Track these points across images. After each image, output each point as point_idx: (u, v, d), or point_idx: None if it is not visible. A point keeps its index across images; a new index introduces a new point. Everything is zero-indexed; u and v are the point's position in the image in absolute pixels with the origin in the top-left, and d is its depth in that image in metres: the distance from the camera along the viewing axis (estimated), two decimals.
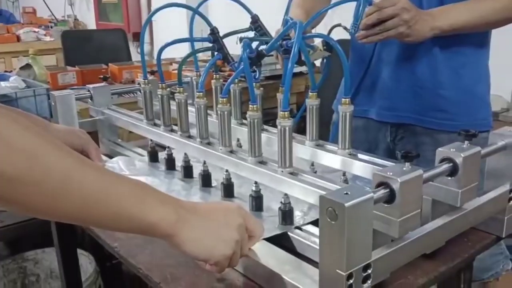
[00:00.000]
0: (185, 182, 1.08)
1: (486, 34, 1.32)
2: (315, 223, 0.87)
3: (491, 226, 0.90)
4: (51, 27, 5.77)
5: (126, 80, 2.54)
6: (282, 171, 0.85)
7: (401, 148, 1.33)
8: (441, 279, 0.80)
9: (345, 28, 1.26)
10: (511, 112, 2.43)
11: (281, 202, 0.85)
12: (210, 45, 1.08)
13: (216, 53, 1.09)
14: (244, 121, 1.21)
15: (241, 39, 1.07)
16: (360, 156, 0.95)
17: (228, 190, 0.98)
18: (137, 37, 4.92)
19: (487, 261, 1.37)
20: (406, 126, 1.34)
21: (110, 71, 2.56)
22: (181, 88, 1.09)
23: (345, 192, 0.62)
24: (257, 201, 0.91)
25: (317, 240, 0.80)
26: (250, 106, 0.89)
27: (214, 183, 1.04)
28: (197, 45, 1.17)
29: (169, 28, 4.21)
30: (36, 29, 5.38)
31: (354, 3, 1.16)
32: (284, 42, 1.02)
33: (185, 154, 1.10)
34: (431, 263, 0.81)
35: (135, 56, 4.44)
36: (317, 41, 1.19)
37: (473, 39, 1.28)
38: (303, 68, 1.31)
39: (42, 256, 1.91)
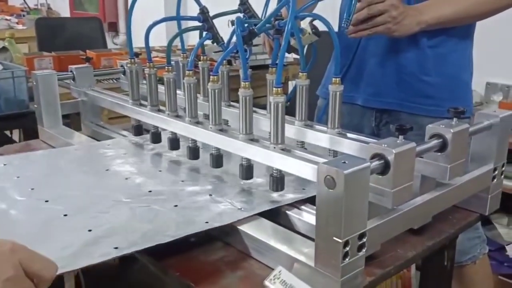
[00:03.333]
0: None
1: (470, 26, 1.36)
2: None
3: (475, 205, 0.93)
4: (23, 15, 5.63)
5: (104, 67, 2.50)
6: (275, 147, 0.86)
7: (385, 134, 1.35)
8: (428, 253, 0.82)
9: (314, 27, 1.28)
10: (485, 106, 2.49)
11: (273, 170, 0.87)
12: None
13: (205, 33, 1.08)
14: (231, 103, 1.22)
15: (232, 22, 1.07)
16: (349, 135, 0.96)
17: (217, 161, 0.99)
18: (113, 27, 4.86)
19: (465, 244, 1.40)
20: (391, 111, 1.36)
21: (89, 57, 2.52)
22: (170, 67, 1.08)
23: (342, 161, 0.63)
24: (247, 170, 0.93)
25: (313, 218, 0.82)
26: (242, 83, 0.89)
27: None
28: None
29: (146, 18, 4.17)
30: (8, 17, 5.25)
31: None
32: (276, 22, 1.02)
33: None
34: (419, 238, 0.83)
35: (111, 46, 4.38)
36: (305, 25, 1.21)
37: (459, 29, 1.31)
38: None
39: None
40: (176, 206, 0.87)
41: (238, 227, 0.79)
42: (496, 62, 2.33)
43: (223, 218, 0.81)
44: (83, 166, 1.07)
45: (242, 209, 0.85)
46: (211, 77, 0.95)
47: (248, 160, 0.93)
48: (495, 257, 2.04)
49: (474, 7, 1.26)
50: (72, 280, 1.71)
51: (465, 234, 1.38)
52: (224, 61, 1.11)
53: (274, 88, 0.84)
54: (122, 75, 1.49)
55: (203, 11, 1.08)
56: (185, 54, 1.30)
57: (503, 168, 0.92)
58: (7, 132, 2.73)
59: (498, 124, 0.87)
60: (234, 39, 1.05)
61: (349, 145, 0.93)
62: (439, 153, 0.79)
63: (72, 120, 1.62)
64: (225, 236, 0.81)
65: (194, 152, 1.07)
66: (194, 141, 1.06)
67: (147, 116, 1.14)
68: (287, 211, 0.86)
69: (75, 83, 1.40)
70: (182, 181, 0.99)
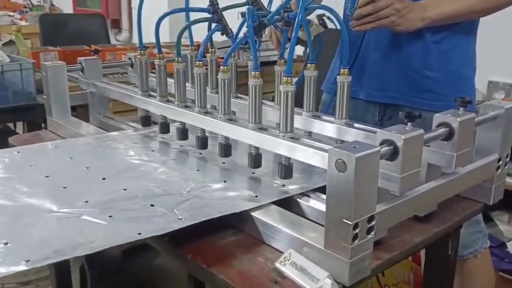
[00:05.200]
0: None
1: (474, 22, 1.37)
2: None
3: (479, 194, 0.94)
4: (26, 12, 5.65)
5: (105, 62, 2.52)
6: (284, 136, 0.88)
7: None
8: (433, 239, 0.84)
9: (328, 17, 1.30)
10: None
11: (282, 158, 0.89)
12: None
13: (214, 24, 1.10)
14: (238, 95, 1.24)
15: (242, 14, 1.09)
16: (356, 125, 0.98)
17: (226, 150, 1.01)
18: (116, 23, 4.88)
19: (467, 238, 1.42)
20: (394, 106, 1.38)
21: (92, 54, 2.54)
22: (180, 59, 1.10)
23: (353, 146, 0.65)
24: (256, 158, 0.95)
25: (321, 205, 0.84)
26: (252, 73, 0.91)
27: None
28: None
29: (149, 14, 4.19)
30: (11, 13, 5.27)
31: None
32: (286, 14, 1.04)
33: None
34: (425, 226, 0.85)
35: (114, 43, 4.40)
36: (312, 17, 1.22)
37: (462, 25, 1.33)
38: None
39: None
40: (188, 191, 0.90)
41: (251, 213, 0.81)
42: (498, 61, 2.34)
43: (237, 206, 0.83)
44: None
45: (257, 196, 0.87)
46: (221, 67, 0.97)
47: (257, 149, 0.95)
48: (496, 253, 2.06)
49: (478, 3, 1.28)
50: (77, 271, 1.73)
51: (467, 228, 1.40)
52: (233, 53, 1.13)
53: (284, 77, 0.86)
54: (130, 68, 1.51)
55: (213, 2, 1.09)
56: (193, 47, 1.31)
57: (508, 159, 0.94)
58: (10, 125, 2.75)
59: (503, 115, 0.89)
60: (241, 31, 1.08)
61: (356, 135, 0.95)
62: (446, 142, 0.80)
63: (78, 113, 1.64)
64: (237, 222, 0.83)
65: (203, 141, 1.08)
66: (203, 131, 1.08)
67: (158, 107, 1.16)
68: (297, 199, 0.88)
69: (84, 74, 1.41)
70: (197, 170, 1.01)
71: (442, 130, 0.79)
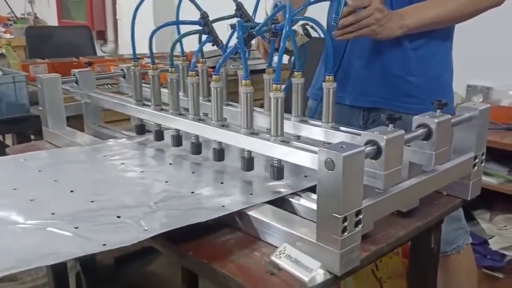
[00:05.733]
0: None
1: (450, 28, 1.45)
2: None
3: (458, 191, 1.01)
4: (10, 25, 5.66)
5: (98, 73, 2.56)
6: (275, 139, 0.93)
7: None
8: (416, 232, 0.90)
9: (312, 27, 1.37)
10: None
11: (273, 161, 0.95)
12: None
13: (205, 36, 1.16)
14: (229, 102, 1.30)
15: (232, 26, 1.15)
16: (342, 128, 1.04)
17: (220, 155, 1.06)
18: (102, 35, 4.91)
19: (449, 235, 1.49)
20: (377, 110, 1.45)
21: (81, 66, 2.58)
22: (173, 69, 1.16)
23: (340, 146, 0.71)
24: (249, 162, 1.00)
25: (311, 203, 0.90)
26: (243, 81, 0.97)
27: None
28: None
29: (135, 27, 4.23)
30: None
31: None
32: (273, 26, 1.10)
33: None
34: (409, 220, 0.91)
35: (100, 54, 4.43)
36: (296, 27, 1.29)
37: (439, 32, 1.41)
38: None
39: None
40: (192, 192, 0.96)
41: (247, 212, 0.86)
42: (476, 65, 2.43)
43: (235, 205, 0.89)
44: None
45: (252, 194, 0.94)
46: (213, 76, 1.03)
47: (249, 153, 1.01)
48: (479, 251, 2.14)
49: (452, 11, 1.35)
50: (73, 279, 1.77)
51: (449, 225, 1.47)
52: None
53: (273, 85, 0.92)
54: (122, 79, 1.56)
55: (204, 16, 1.16)
56: (184, 58, 1.36)
57: (483, 157, 1.01)
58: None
59: (478, 116, 0.96)
60: (231, 42, 1.14)
61: (342, 137, 1.01)
62: (425, 142, 0.87)
63: (70, 124, 1.68)
64: (233, 221, 0.88)
65: (197, 147, 1.13)
66: (197, 138, 1.13)
67: (153, 115, 1.21)
68: (289, 198, 0.93)
69: (77, 86, 1.46)
70: (192, 172, 1.07)
71: (421, 130, 0.86)
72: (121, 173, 1.08)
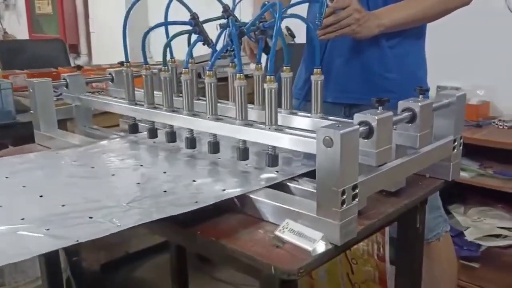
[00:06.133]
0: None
1: (422, 28, 1.55)
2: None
3: (440, 172, 1.09)
4: None
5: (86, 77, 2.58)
6: (269, 128, 0.99)
7: None
8: (404, 210, 0.97)
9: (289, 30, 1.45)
10: None
11: (268, 149, 1.01)
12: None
13: (196, 36, 1.21)
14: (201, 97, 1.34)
15: (221, 25, 1.21)
16: (331, 117, 1.11)
17: (215, 147, 1.12)
18: (74, 48, 4.90)
19: (430, 223, 1.57)
20: (358, 106, 1.53)
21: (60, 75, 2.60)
22: (166, 68, 1.21)
23: (337, 125, 0.77)
24: (244, 152, 1.06)
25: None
26: (238, 75, 1.03)
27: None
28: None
29: (107, 40, 4.26)
30: None
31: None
32: (261, 24, 1.17)
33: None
34: (397, 199, 0.98)
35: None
36: (282, 28, 1.36)
37: (412, 31, 1.51)
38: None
39: None
40: (194, 181, 1.01)
41: (249, 195, 0.92)
42: (445, 66, 2.55)
43: (236, 190, 0.94)
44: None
45: (251, 180, 0.99)
46: (207, 72, 1.08)
47: (244, 143, 1.06)
48: (456, 242, 2.22)
49: (424, 10, 1.46)
50: (63, 283, 1.77)
51: (430, 214, 1.55)
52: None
53: (267, 76, 0.98)
54: (110, 82, 1.60)
55: (194, 16, 1.21)
56: (173, 59, 1.41)
57: (461, 141, 1.09)
58: None
59: (455, 102, 1.04)
60: (220, 41, 1.20)
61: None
62: (410, 124, 0.94)
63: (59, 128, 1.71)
64: (235, 205, 0.93)
65: (192, 142, 1.18)
66: (191, 133, 1.18)
67: (146, 113, 1.25)
68: (286, 183, 0.99)
69: (68, 89, 1.49)
70: (188, 164, 1.12)
71: (406, 114, 0.93)
72: (111, 170, 1.11)
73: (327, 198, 0.78)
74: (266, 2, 1.12)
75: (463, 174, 2.26)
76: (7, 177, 1.09)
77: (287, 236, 0.81)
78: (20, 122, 1.80)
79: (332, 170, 0.76)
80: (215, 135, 1.12)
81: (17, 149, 1.46)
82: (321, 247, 0.78)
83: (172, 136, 1.23)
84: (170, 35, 1.21)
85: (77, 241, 0.78)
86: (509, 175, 2.23)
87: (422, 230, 1.16)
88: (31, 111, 1.45)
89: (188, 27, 1.20)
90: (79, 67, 1.53)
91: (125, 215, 0.86)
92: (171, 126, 1.22)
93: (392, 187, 0.99)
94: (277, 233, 0.82)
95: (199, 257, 2.41)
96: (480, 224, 2.29)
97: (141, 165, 1.14)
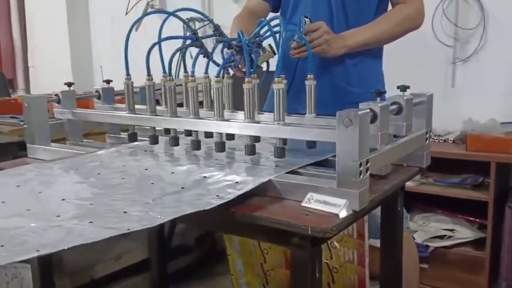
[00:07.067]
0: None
1: (380, 49, 1.80)
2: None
3: (415, 161, 1.28)
4: None
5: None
6: (278, 123, 1.14)
7: None
8: (394, 189, 1.15)
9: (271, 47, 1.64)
10: None
11: (276, 142, 1.15)
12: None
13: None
14: None
15: (217, 41, 1.36)
16: (325, 116, 1.28)
17: (222, 146, 1.24)
18: (11, 83, 4.79)
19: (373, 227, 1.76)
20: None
21: (19, 103, 2.61)
22: (171, 77, 1.33)
23: (352, 110, 0.94)
24: (252, 148, 1.19)
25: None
26: (246, 79, 1.18)
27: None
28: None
29: (48, 74, 4.25)
30: None
31: None
32: (257, 38, 1.33)
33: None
34: (386, 181, 1.15)
35: None
36: (265, 45, 1.53)
37: (372, 51, 1.74)
38: None
39: None
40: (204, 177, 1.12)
41: (271, 178, 1.05)
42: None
43: (263, 176, 1.06)
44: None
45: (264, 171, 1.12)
46: (214, 78, 1.22)
47: (252, 139, 1.19)
48: None
49: (383, 33, 1.70)
50: None
51: None
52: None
53: (275, 78, 1.14)
54: (97, 100, 1.68)
55: (194, 32, 1.36)
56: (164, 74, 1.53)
57: (431, 133, 1.29)
58: None
59: (426, 101, 1.25)
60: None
61: (325, 122, 1.24)
62: (397, 115, 1.13)
63: None
64: (258, 189, 1.05)
65: (197, 144, 1.30)
66: (196, 136, 1.29)
67: (150, 120, 1.35)
68: (298, 170, 1.14)
69: (60, 105, 1.56)
70: (198, 162, 1.23)
71: (395, 106, 1.12)
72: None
73: (347, 171, 0.94)
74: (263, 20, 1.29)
75: (408, 183, 2.51)
76: (18, 186, 1.09)
77: (313, 205, 0.95)
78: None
79: (351, 146, 0.92)
80: (221, 135, 1.24)
81: (9, 163, 1.50)
82: (346, 211, 0.93)
83: (175, 140, 1.34)
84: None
85: (128, 230, 0.82)
86: (447, 182, 2.52)
87: (402, 213, 1.34)
88: (25, 125, 1.50)
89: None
90: (69, 84, 1.59)
91: (159, 209, 0.91)
92: (175, 132, 1.33)
93: (382, 171, 1.16)
94: (303, 204, 0.96)
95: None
96: (426, 228, 2.54)
97: (146, 169, 1.21)
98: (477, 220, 2.53)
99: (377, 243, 1.95)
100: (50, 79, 4.03)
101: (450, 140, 2.61)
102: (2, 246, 0.70)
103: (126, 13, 3.89)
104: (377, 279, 1.65)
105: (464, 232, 2.50)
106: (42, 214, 0.89)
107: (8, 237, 0.74)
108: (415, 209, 2.68)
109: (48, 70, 4.31)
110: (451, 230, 2.51)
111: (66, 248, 0.72)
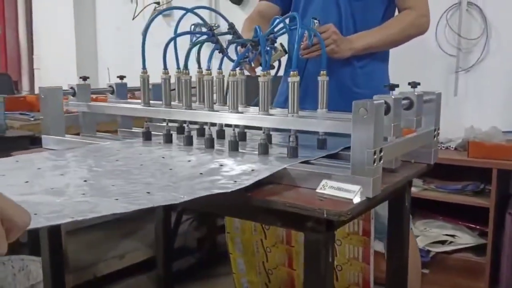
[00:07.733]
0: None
1: (386, 53, 1.84)
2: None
3: (423, 157, 1.31)
4: None
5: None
6: (293, 115, 1.18)
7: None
8: (405, 181, 1.19)
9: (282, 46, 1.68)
10: None
11: (290, 141, 1.18)
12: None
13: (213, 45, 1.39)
14: None
15: (230, 42, 1.40)
16: (336, 112, 1.32)
17: (235, 145, 1.27)
18: (15, 85, 4.83)
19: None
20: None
21: (27, 101, 2.65)
22: (186, 71, 1.37)
23: (367, 100, 0.98)
24: (265, 146, 1.22)
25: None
26: (262, 72, 1.21)
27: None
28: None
29: (53, 75, 4.28)
30: None
31: None
32: (272, 35, 1.37)
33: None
34: (398, 174, 1.19)
35: None
36: (277, 44, 1.57)
37: (379, 54, 1.79)
38: None
39: None
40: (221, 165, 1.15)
41: (286, 166, 1.08)
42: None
43: (279, 165, 1.09)
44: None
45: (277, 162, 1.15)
46: (230, 71, 1.26)
47: (265, 138, 1.22)
48: None
49: (388, 37, 1.75)
50: None
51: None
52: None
53: (291, 72, 1.18)
54: (110, 94, 1.71)
55: (211, 29, 1.40)
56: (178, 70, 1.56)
57: (439, 131, 1.33)
58: None
59: (435, 99, 1.29)
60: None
61: (339, 116, 1.28)
62: (408, 110, 1.17)
63: None
64: (272, 178, 1.08)
65: (210, 142, 1.32)
66: (210, 134, 1.32)
67: (166, 113, 1.39)
68: (311, 160, 1.16)
69: (75, 98, 1.59)
70: (212, 155, 1.26)
71: (406, 101, 1.16)
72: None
73: (361, 158, 0.97)
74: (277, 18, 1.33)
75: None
76: (39, 168, 1.11)
77: (328, 191, 0.98)
78: (9, 136, 1.84)
79: (366, 134, 0.96)
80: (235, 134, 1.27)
81: (25, 152, 1.53)
82: (359, 197, 0.96)
83: (189, 140, 1.37)
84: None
85: (153, 205, 0.85)
86: (449, 189, 2.55)
87: (409, 208, 1.37)
88: (41, 116, 1.53)
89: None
90: (85, 78, 1.63)
91: (181, 190, 0.94)
92: (189, 131, 1.36)
93: (392, 165, 1.19)
94: (318, 190, 0.99)
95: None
96: (427, 233, 2.57)
97: (163, 157, 1.25)
98: (478, 226, 2.56)
99: (380, 247, 1.98)
100: (55, 81, 4.07)
101: (452, 148, 2.65)
102: (36, 214, 0.73)
103: (133, 18, 3.95)
104: (378, 284, 1.68)
105: (465, 238, 2.53)
106: (67, 192, 0.91)
107: (40, 208, 0.77)
108: (416, 215, 2.71)
109: (53, 72, 4.35)
110: (452, 236, 2.54)
111: (99, 215, 0.74)
